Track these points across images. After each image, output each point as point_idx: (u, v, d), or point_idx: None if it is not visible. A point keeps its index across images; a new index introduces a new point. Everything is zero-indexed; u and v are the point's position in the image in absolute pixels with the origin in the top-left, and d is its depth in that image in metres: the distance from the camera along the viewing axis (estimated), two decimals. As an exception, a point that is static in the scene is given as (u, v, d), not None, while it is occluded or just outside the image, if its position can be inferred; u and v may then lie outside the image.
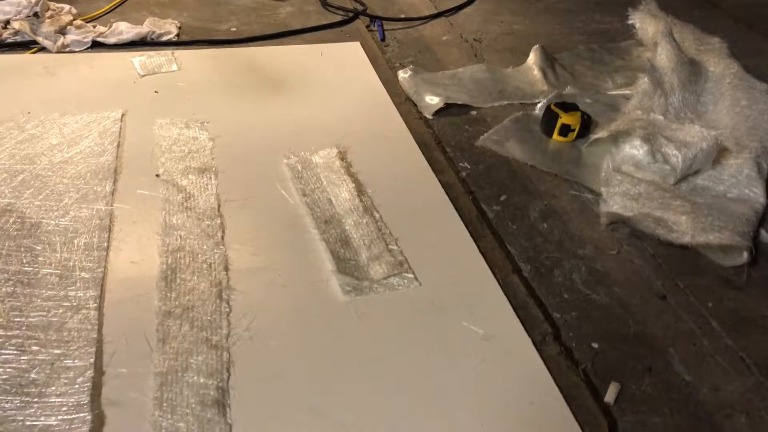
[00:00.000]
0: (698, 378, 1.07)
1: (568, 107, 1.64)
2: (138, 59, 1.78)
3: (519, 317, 1.12)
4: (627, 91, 1.83)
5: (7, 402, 0.90)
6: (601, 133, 1.59)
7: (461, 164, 1.53)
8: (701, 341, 1.14)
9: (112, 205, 1.26)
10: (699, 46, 2.00)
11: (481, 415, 0.95)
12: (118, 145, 1.43)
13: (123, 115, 1.54)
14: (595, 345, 1.11)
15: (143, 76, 1.72)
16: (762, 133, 1.63)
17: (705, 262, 1.30)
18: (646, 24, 2.17)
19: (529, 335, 1.09)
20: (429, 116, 1.68)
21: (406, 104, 1.72)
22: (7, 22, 1.85)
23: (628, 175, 1.49)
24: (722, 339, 1.15)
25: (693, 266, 1.29)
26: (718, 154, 1.53)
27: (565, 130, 1.62)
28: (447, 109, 1.71)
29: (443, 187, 1.41)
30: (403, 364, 1.02)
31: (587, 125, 1.65)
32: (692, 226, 1.32)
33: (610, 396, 1.02)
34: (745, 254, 1.29)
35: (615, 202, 1.40)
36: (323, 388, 0.97)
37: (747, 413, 1.02)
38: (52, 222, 1.21)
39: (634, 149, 1.53)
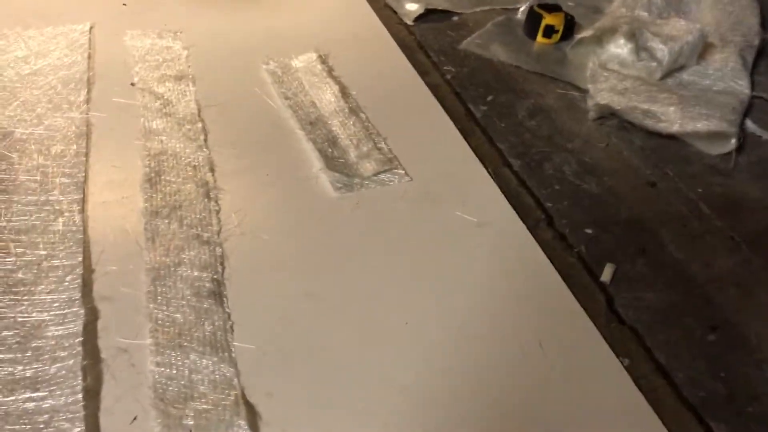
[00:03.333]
0: (690, 256, 1.08)
1: (552, 8, 1.61)
2: (102, -27, 1.69)
3: (512, 206, 1.12)
4: (610, -6, 1.80)
5: (-5, 301, 0.88)
6: (585, 33, 1.56)
7: (445, 68, 1.49)
8: (692, 223, 1.15)
9: (87, 114, 1.21)
10: (680, -53, 1.96)
11: (479, 293, 0.95)
12: (89, 57, 1.37)
13: (91, 27, 1.47)
14: (589, 230, 1.11)
15: (109, -11, 1.64)
16: (745, 28, 1.62)
17: (693, 151, 1.30)
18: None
19: (523, 222, 1.09)
20: (410, 22, 1.63)
21: (385, 10, 1.67)
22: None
23: (615, 72, 1.47)
24: (712, 220, 1.15)
25: (681, 155, 1.29)
26: (703, 50, 1.52)
27: (549, 31, 1.59)
28: (428, 15, 1.66)
29: (429, 88, 1.38)
30: (397, 251, 1.01)
31: (571, 27, 1.62)
32: (680, 115, 1.31)
33: (606, 275, 1.03)
34: (733, 141, 1.29)
35: (602, 97, 1.38)
36: (319, 275, 0.96)
37: (737, 285, 1.04)
38: (26, 131, 1.16)
39: (619, 48, 1.51)
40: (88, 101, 1.25)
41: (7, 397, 0.77)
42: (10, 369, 0.80)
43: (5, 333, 0.84)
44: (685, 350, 0.93)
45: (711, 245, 1.11)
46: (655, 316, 0.98)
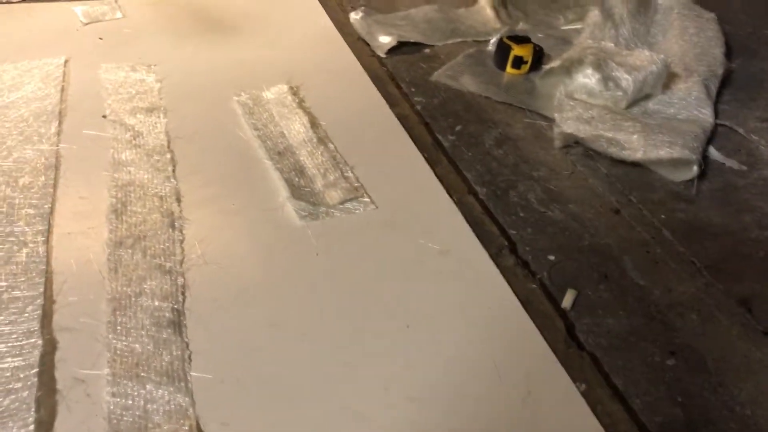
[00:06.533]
0: (652, 282, 1.09)
1: (521, 40, 1.64)
2: (80, 8, 1.72)
3: (475, 234, 1.13)
4: (578, 26, 1.84)
5: (-48, 333, 0.87)
6: (553, 63, 1.59)
7: (416, 99, 1.52)
8: (654, 249, 1.16)
9: (57, 146, 1.23)
10: (648, -19, 2.01)
11: (440, 321, 0.96)
12: (63, 90, 1.39)
13: (66, 61, 1.49)
14: (551, 257, 1.12)
15: (86, 24, 1.67)
16: (709, 58, 1.66)
17: (657, 178, 1.33)
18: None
19: (485, 249, 1.10)
20: (382, 55, 1.67)
21: (358, 43, 1.70)
22: (-61, -24, 1.77)
23: (581, 101, 1.50)
24: (674, 246, 1.17)
25: (645, 183, 1.32)
26: (668, 79, 1.55)
27: (518, 62, 1.62)
28: (400, 48, 1.70)
29: (398, 119, 1.41)
30: (361, 279, 1.02)
31: (540, 57, 1.65)
32: (644, 143, 1.34)
33: (567, 302, 1.04)
34: (695, 168, 1.31)
35: (568, 126, 1.41)
36: (282, 305, 0.97)
37: (698, 311, 1.05)
38: (-5, 164, 1.17)
39: (587, 78, 1.54)
40: (59, 133, 1.26)
41: (-41, 429, 0.77)
42: (-36, 401, 0.80)
43: (-39, 365, 0.84)
44: (644, 375, 0.94)
45: (673, 271, 1.12)
46: (615, 341, 0.98)
